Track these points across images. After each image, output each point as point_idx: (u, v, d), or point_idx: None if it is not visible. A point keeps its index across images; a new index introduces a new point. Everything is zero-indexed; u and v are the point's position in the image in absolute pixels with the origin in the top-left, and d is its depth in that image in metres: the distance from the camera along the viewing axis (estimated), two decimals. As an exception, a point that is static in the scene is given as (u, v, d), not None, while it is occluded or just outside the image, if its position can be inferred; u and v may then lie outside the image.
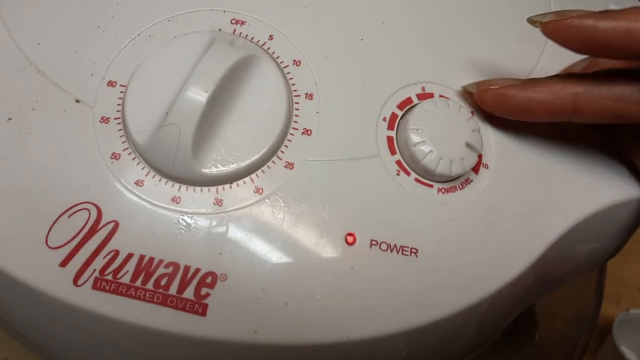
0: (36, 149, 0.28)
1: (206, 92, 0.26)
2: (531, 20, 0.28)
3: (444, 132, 0.29)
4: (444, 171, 0.29)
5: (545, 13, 0.28)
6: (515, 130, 0.31)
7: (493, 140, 0.31)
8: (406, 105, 0.31)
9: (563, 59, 0.33)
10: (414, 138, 0.29)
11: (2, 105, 0.29)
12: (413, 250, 0.28)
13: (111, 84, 0.29)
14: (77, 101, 0.29)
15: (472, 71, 0.32)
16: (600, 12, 0.26)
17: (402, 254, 0.28)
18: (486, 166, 0.31)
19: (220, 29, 0.31)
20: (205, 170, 0.27)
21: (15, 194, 0.27)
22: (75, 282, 0.26)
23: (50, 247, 0.26)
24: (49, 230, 0.26)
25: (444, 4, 0.34)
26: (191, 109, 0.26)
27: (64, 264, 0.26)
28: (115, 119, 0.28)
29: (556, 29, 0.27)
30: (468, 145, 0.29)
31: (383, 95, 0.30)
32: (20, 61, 0.30)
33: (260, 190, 0.28)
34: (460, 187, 0.30)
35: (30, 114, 0.29)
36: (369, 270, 0.27)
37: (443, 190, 0.29)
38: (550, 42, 0.31)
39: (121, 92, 0.29)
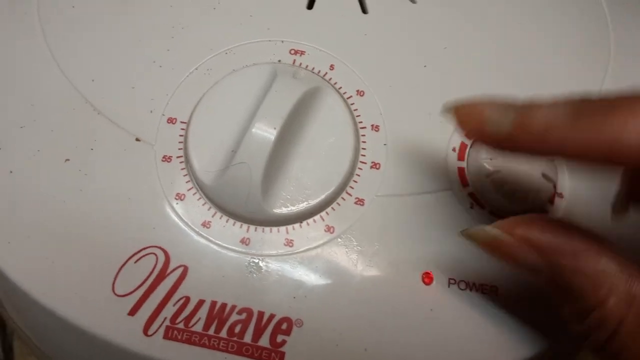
0: (97, 191, 0.27)
1: (275, 128, 0.25)
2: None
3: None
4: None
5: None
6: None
7: (567, 170, 0.30)
8: (475, 134, 0.29)
9: (628, 77, 0.32)
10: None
11: (59, 145, 0.28)
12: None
13: (171, 120, 0.28)
14: (137, 140, 0.28)
15: (538, 94, 0.31)
16: None
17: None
18: (561, 195, 0.29)
19: (279, 60, 0.30)
20: (275, 210, 0.26)
21: (78, 239, 0.26)
22: (145, 332, 0.25)
23: (117, 295, 0.25)
24: (116, 277, 0.25)
25: (504, 27, 0.33)
26: (260, 146, 0.25)
27: (132, 312, 0.25)
28: (177, 157, 0.27)
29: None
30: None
31: (451, 125, 0.29)
32: (75, 99, 0.29)
33: (332, 229, 0.27)
34: (536, 218, 0.28)
35: (89, 154, 0.28)
36: (448, 311, 0.26)
37: (518, 223, 0.28)
38: (613, 62, 0.30)
39: (182, 129, 0.28)
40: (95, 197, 0.27)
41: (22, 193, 0.27)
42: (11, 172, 0.28)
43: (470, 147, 0.29)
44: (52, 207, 0.27)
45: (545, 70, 0.32)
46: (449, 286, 0.26)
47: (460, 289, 0.27)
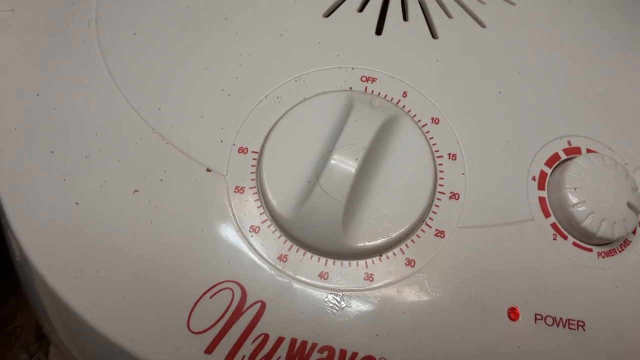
0: (168, 223, 0.26)
1: (356, 160, 0.25)
2: None
3: (604, 192, 0.27)
4: (606, 234, 0.26)
5: None
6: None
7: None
8: (554, 161, 0.29)
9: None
10: (572, 198, 0.27)
11: (127, 176, 0.28)
12: (580, 323, 0.26)
13: (242, 150, 0.28)
14: (208, 170, 0.27)
15: (614, 122, 0.30)
16: None
17: (569, 328, 0.26)
18: (644, 225, 0.28)
19: (351, 88, 0.29)
20: (355, 243, 0.25)
21: (150, 274, 0.26)
22: (224, 371, 0.24)
23: (193, 332, 0.24)
24: (191, 313, 0.25)
25: (577, 50, 0.32)
26: (341, 178, 0.25)
27: (209, 350, 0.24)
28: (250, 188, 0.27)
29: None
30: (630, 205, 0.27)
31: (529, 152, 0.29)
32: (142, 129, 0.29)
33: (412, 263, 0.26)
34: (620, 249, 0.28)
35: (159, 185, 0.27)
36: (536, 349, 0.25)
37: (603, 254, 0.27)
38: None
39: (254, 159, 0.27)
40: (167, 230, 0.26)
41: (89, 225, 0.27)
42: (77, 203, 0.27)
43: (551, 175, 0.29)
44: (121, 239, 0.26)
45: (619, 93, 0.31)
46: (535, 322, 0.26)
47: (547, 324, 0.26)
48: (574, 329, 0.26)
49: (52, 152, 0.29)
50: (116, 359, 0.26)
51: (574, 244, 0.27)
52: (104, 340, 0.25)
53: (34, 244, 0.27)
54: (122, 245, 0.26)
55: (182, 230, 0.26)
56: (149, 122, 0.29)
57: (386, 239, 0.26)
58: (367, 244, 0.26)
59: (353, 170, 0.25)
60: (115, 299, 0.25)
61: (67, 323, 0.29)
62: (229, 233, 0.26)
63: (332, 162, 0.25)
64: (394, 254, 0.26)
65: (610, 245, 0.28)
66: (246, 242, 0.26)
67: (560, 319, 0.26)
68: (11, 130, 0.29)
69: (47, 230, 0.27)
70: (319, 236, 0.25)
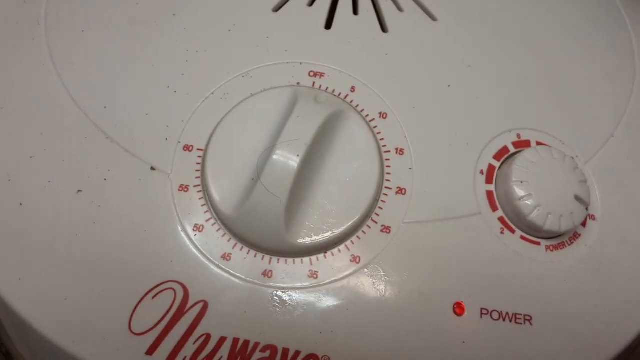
0: (111, 223, 0.26)
1: (298, 155, 0.25)
2: None
3: (551, 184, 0.27)
4: (553, 227, 0.27)
5: None
6: (619, 178, 0.29)
7: (597, 189, 0.29)
8: (503, 155, 0.29)
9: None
10: (518, 192, 0.27)
11: (71, 176, 0.27)
12: (527, 317, 0.26)
13: (187, 148, 0.27)
14: (153, 169, 0.27)
15: (566, 113, 0.30)
16: None
17: (516, 322, 0.26)
18: (593, 217, 0.29)
19: (298, 83, 0.29)
20: (299, 240, 0.25)
21: (92, 274, 0.25)
22: (165, 372, 0.23)
23: (134, 333, 0.24)
24: (132, 314, 0.25)
25: (527, 43, 0.33)
26: (283, 174, 0.24)
27: (150, 351, 0.24)
28: (195, 186, 0.27)
29: None
30: (577, 198, 0.27)
31: (477, 146, 0.29)
32: (86, 127, 0.29)
33: (358, 259, 0.26)
34: (569, 242, 0.28)
35: (102, 185, 0.27)
36: (482, 343, 0.25)
37: (551, 248, 0.27)
38: (638, 79, 0.29)
39: (199, 156, 0.27)
40: (110, 230, 0.26)
41: (33, 226, 0.27)
42: (21, 204, 0.27)
43: (499, 169, 0.29)
44: (64, 240, 0.26)
45: (572, 86, 0.32)
46: (481, 317, 0.26)
47: (493, 319, 0.26)
48: (521, 323, 0.26)
49: (-5, 152, 0.28)
50: (61, 360, 0.26)
51: (522, 237, 0.27)
52: (47, 342, 0.25)
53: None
54: (65, 246, 0.26)
55: (125, 230, 0.26)
56: (93, 121, 0.29)
57: (330, 235, 0.26)
58: (311, 240, 0.26)
59: (295, 166, 0.25)
60: (58, 301, 0.25)
61: (14, 325, 0.28)
62: (172, 232, 0.26)
63: (274, 158, 0.25)
64: (339, 250, 0.26)
65: (559, 239, 0.28)
66: (190, 241, 0.26)
67: (507, 313, 0.26)
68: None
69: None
70: (262, 234, 0.25)
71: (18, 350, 0.31)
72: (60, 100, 0.29)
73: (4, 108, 0.29)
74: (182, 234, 0.26)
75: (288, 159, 0.25)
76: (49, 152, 0.28)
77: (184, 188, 0.27)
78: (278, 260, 0.26)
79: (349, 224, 0.26)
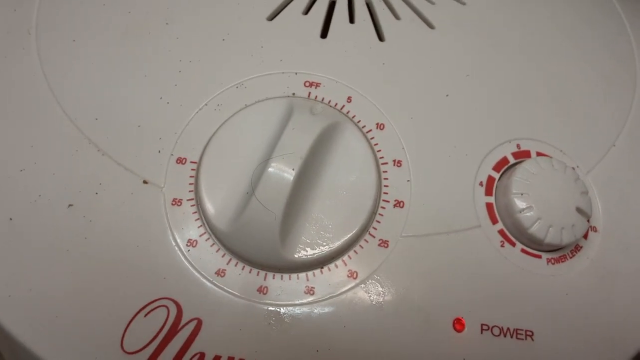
0: (103, 238, 0.26)
1: (293, 169, 0.24)
2: None
3: (552, 196, 0.27)
4: (554, 240, 0.26)
5: None
6: (621, 189, 0.29)
7: (599, 200, 0.29)
8: (502, 166, 0.28)
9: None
10: (519, 204, 0.26)
11: (61, 189, 0.27)
12: (528, 333, 0.25)
13: (181, 160, 0.27)
14: (145, 182, 0.27)
15: (566, 123, 0.30)
16: None
17: (517, 338, 0.25)
18: (595, 229, 0.28)
19: (294, 94, 0.29)
20: (295, 255, 0.25)
21: (83, 291, 0.25)
22: (158, 393, 0.23)
23: (126, 352, 0.24)
24: (124, 333, 0.24)
25: (526, 52, 0.32)
26: (278, 188, 0.24)
27: (144, 371, 0.23)
28: (188, 200, 0.26)
29: None
30: (579, 210, 0.27)
31: (477, 157, 0.28)
32: (77, 139, 0.28)
33: (355, 274, 0.25)
34: (570, 255, 0.27)
35: (94, 199, 0.26)
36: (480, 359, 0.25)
37: (552, 261, 0.27)
38: None
39: (192, 169, 0.27)
40: (101, 245, 0.26)
41: (23, 241, 0.26)
42: (11, 219, 0.26)
43: (499, 180, 0.28)
44: (55, 256, 0.26)
45: (571, 95, 0.31)
46: (481, 332, 0.25)
47: (494, 335, 0.25)
48: (522, 339, 0.25)
49: (-14, 164, 0.28)
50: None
51: (523, 250, 0.27)
52: (38, 361, 0.25)
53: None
54: (55, 262, 0.26)
55: (117, 245, 0.26)
56: (85, 133, 0.28)
57: (327, 250, 0.25)
58: (307, 256, 0.25)
59: (290, 180, 0.24)
60: (49, 318, 0.25)
61: (5, 343, 0.28)
62: (165, 248, 0.26)
63: (268, 172, 0.24)
64: (336, 265, 0.26)
65: (561, 252, 0.27)
66: (183, 256, 0.25)
67: (508, 328, 0.25)
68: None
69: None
70: (257, 249, 0.25)
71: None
72: (51, 112, 0.29)
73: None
74: (176, 249, 0.25)
75: (283, 172, 0.24)
76: (39, 165, 0.28)
77: (177, 202, 0.26)
78: (274, 276, 0.25)
79: (345, 238, 0.25)
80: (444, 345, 0.25)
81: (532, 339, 0.25)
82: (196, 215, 0.26)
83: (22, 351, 0.25)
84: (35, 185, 0.27)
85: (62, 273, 0.25)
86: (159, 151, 0.27)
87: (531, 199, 0.27)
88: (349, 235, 0.26)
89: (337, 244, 0.25)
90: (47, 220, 0.26)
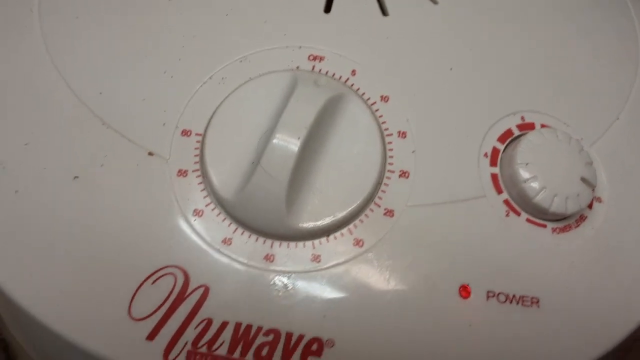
0: (109, 209, 0.26)
1: (298, 139, 0.25)
2: None
3: (556, 166, 0.27)
4: (558, 209, 0.27)
5: None
6: (624, 161, 0.29)
7: (603, 172, 0.29)
8: (507, 138, 0.29)
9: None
10: (523, 174, 0.27)
11: (67, 162, 0.27)
12: (534, 300, 0.26)
13: (186, 133, 0.27)
14: (150, 154, 0.27)
15: (570, 95, 0.30)
16: None
17: (523, 304, 0.26)
18: (599, 200, 0.29)
19: (298, 67, 0.29)
20: (301, 224, 0.25)
21: (90, 261, 0.26)
22: (165, 357, 0.23)
23: (134, 319, 0.24)
24: (132, 300, 0.25)
25: (530, 26, 0.33)
26: (283, 158, 0.24)
27: (151, 337, 0.24)
28: (193, 171, 0.27)
29: None
30: (583, 179, 0.27)
31: (481, 129, 0.29)
32: (82, 113, 0.29)
33: (361, 243, 0.26)
34: (575, 225, 0.28)
35: (99, 171, 0.27)
36: (488, 326, 0.25)
37: (558, 230, 0.27)
38: None
39: (197, 141, 0.27)
40: (107, 216, 0.26)
41: (29, 214, 0.27)
42: (17, 191, 0.27)
43: (503, 152, 0.29)
44: (61, 227, 0.26)
45: (575, 68, 0.32)
46: (487, 299, 0.26)
47: (500, 301, 0.26)
48: (528, 306, 0.26)
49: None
50: (60, 349, 0.26)
51: (528, 220, 0.27)
52: (45, 331, 0.25)
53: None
54: (62, 233, 0.26)
55: (123, 216, 0.26)
56: (89, 107, 0.29)
57: (333, 219, 0.26)
58: (313, 224, 0.26)
59: (295, 149, 0.25)
60: (56, 288, 0.25)
61: (13, 316, 0.28)
62: (171, 218, 0.26)
63: (274, 142, 0.25)
64: (342, 234, 0.26)
65: (566, 221, 0.28)
66: (189, 226, 0.26)
67: (514, 295, 0.26)
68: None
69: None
70: (263, 218, 0.25)
71: (18, 342, 0.31)
72: (55, 87, 0.29)
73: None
74: (182, 219, 0.26)
75: (288, 142, 0.25)
76: (45, 139, 0.28)
77: (182, 173, 0.27)
78: (280, 244, 0.26)
79: (351, 208, 0.26)
80: (450, 312, 0.25)
81: (538, 306, 0.26)
82: (202, 186, 0.27)
83: (30, 322, 0.25)
84: (41, 158, 0.28)
85: (68, 244, 0.26)
86: (164, 124, 0.28)
87: (536, 169, 0.27)
88: (354, 205, 0.26)
89: (342, 213, 0.26)
90: (52, 192, 0.27)
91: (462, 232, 0.27)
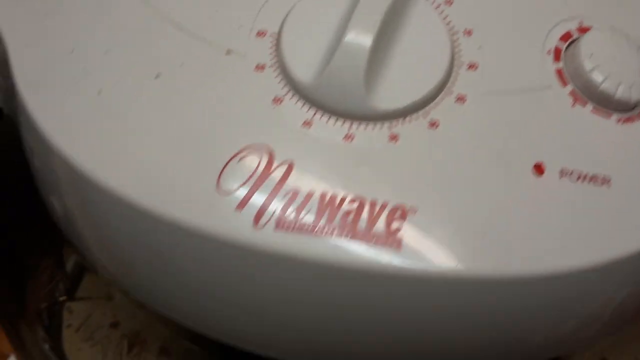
0: (192, 104, 0.28)
1: (374, 26, 0.27)
2: None
3: (619, 58, 0.29)
4: (623, 96, 0.28)
5: None
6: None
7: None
8: (568, 38, 0.30)
9: None
10: (587, 65, 0.29)
11: (147, 64, 0.29)
12: (605, 179, 0.27)
13: (261, 34, 0.29)
14: (228, 52, 0.29)
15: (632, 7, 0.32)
16: None
17: (594, 183, 0.27)
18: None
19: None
20: (379, 105, 0.27)
21: (177, 145, 0.27)
22: (255, 225, 0.25)
23: (223, 193, 0.25)
24: (219, 177, 0.26)
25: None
26: (358, 48, 0.26)
27: (240, 207, 0.25)
28: (270, 66, 0.28)
29: None
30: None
31: (543, 29, 0.30)
32: (157, 18, 0.30)
33: (436, 124, 0.27)
34: (638, 117, 0.29)
35: (179, 70, 0.29)
36: (560, 203, 0.26)
37: (622, 120, 0.29)
38: None
39: (273, 40, 0.29)
40: (190, 110, 0.28)
41: (113, 110, 0.28)
42: (100, 92, 0.28)
43: (566, 49, 0.30)
44: (146, 123, 0.28)
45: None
46: (560, 177, 0.27)
47: (572, 180, 0.27)
48: (599, 185, 0.27)
49: (73, 50, 0.30)
50: (148, 231, 0.27)
51: (593, 110, 0.29)
52: (135, 210, 0.26)
53: (58, 131, 0.28)
54: (147, 128, 0.28)
55: (205, 106, 0.28)
56: (165, 13, 0.30)
57: (409, 101, 0.27)
58: (390, 106, 0.27)
59: (371, 35, 0.26)
60: (146, 170, 0.27)
61: (94, 207, 0.29)
62: (252, 106, 0.28)
63: (348, 34, 0.26)
64: (418, 116, 0.27)
65: (629, 113, 0.29)
66: (270, 112, 0.27)
67: (586, 174, 0.27)
68: (35, 29, 0.31)
69: (70, 119, 0.29)
70: (342, 100, 0.27)
71: (93, 253, 0.32)
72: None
73: (75, 5, 0.31)
74: (262, 106, 0.27)
75: (364, 30, 0.27)
76: (124, 45, 0.30)
77: (260, 67, 0.29)
78: (358, 125, 0.27)
79: (425, 92, 0.28)
80: (523, 189, 0.26)
81: (609, 185, 0.27)
82: (279, 77, 0.28)
83: (118, 207, 0.27)
84: (121, 63, 0.30)
85: (154, 135, 0.27)
86: (240, 27, 0.30)
87: (600, 59, 0.29)
88: (428, 90, 0.28)
89: (417, 96, 0.27)
90: (135, 91, 0.29)
91: (532, 118, 0.28)
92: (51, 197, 0.33)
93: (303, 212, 0.25)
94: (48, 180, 0.32)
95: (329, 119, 0.27)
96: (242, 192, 0.25)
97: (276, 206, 0.25)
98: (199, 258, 0.26)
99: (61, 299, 0.40)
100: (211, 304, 0.29)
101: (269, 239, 0.25)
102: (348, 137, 0.27)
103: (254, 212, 0.25)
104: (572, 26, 0.31)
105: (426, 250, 0.25)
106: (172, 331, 0.37)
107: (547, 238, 0.26)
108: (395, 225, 0.25)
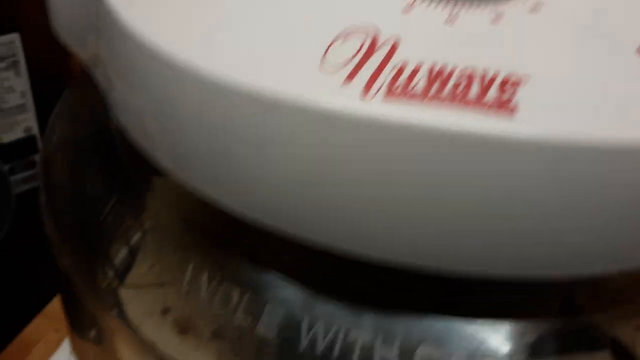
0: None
1: None
2: None
3: None
4: None
5: None
6: None
7: None
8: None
9: None
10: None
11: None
12: None
13: None
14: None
15: None
16: None
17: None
18: None
19: None
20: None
21: (281, 27, 0.27)
22: (364, 96, 0.25)
23: (329, 70, 0.26)
24: (325, 55, 0.26)
25: None
26: None
27: (348, 79, 0.25)
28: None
29: None
30: None
31: None
32: None
33: (537, 6, 0.27)
34: None
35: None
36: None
37: None
38: None
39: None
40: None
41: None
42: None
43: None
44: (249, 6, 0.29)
45: None
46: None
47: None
48: None
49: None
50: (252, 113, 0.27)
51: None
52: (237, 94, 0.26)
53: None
54: (247, 12, 0.28)
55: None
56: None
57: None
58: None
59: None
60: (250, 53, 0.27)
61: (194, 97, 0.29)
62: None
63: None
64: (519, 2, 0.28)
65: None
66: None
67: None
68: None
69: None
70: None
71: (181, 149, 0.32)
72: None
73: None
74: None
75: None
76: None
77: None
78: (460, 6, 0.27)
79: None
80: (628, 69, 0.26)
81: None
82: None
83: (206, 84, 0.27)
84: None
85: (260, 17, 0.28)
86: None
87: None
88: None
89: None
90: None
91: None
92: (134, 99, 0.33)
93: (412, 84, 0.25)
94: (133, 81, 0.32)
95: (430, 2, 0.27)
96: (347, 69, 0.25)
97: (384, 79, 0.25)
98: (311, 136, 0.26)
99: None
100: (319, 191, 0.28)
101: (379, 109, 0.25)
102: (451, 18, 0.27)
103: (362, 86, 0.25)
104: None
105: (542, 117, 0.24)
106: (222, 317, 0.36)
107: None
108: (507, 93, 0.25)
